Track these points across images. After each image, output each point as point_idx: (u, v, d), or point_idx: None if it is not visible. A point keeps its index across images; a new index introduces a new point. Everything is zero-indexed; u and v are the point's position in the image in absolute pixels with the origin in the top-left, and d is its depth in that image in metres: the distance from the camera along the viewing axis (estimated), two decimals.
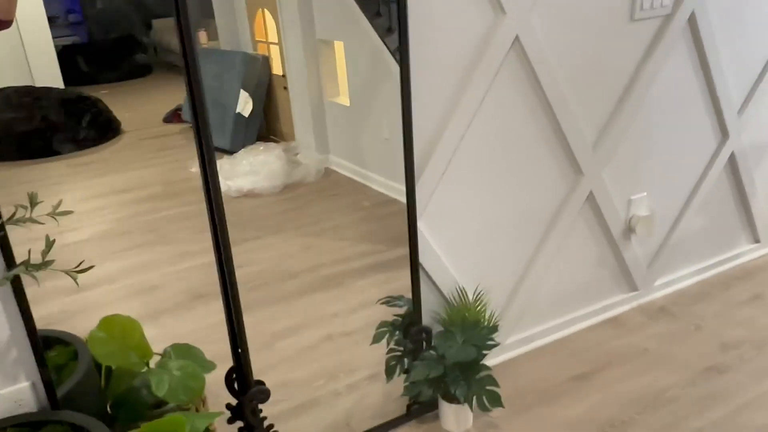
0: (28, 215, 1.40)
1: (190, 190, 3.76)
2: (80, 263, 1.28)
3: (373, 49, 3.33)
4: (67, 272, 1.26)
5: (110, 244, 3.25)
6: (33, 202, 1.41)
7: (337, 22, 3.71)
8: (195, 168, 4.56)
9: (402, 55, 1.65)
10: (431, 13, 1.67)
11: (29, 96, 4.25)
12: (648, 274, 2.45)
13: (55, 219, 1.44)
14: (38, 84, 3.88)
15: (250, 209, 3.75)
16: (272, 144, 4.28)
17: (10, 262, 1.31)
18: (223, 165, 4.07)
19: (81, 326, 2.00)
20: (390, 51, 3.28)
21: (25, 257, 1.41)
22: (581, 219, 2.19)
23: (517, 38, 1.76)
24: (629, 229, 2.30)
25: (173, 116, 5.09)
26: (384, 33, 3.34)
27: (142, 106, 5.84)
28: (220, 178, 4.27)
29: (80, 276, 1.42)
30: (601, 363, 2.17)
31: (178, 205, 3.56)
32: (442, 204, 1.87)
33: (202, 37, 5.21)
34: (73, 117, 4.45)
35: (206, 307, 2.58)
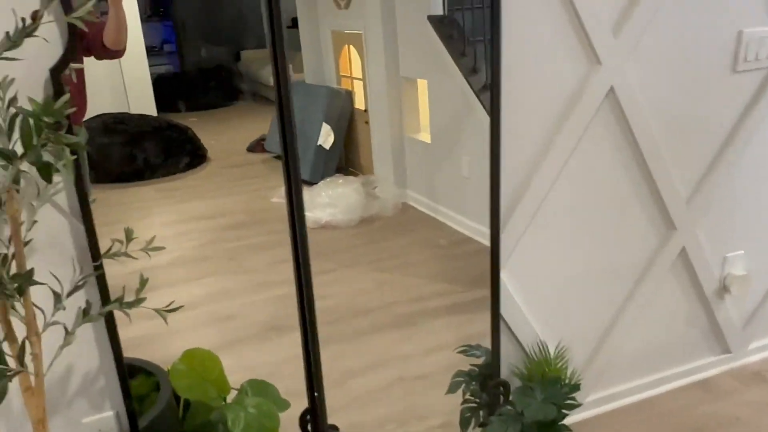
0: (123, 249, 1.45)
1: (270, 220, 3.85)
2: (170, 303, 1.31)
3: (457, 88, 3.34)
4: (158, 311, 1.29)
5: (192, 269, 3.34)
6: (129, 237, 1.46)
7: (422, 61, 3.74)
8: (276, 198, 4.65)
9: (493, 101, 1.63)
10: (524, 59, 1.64)
11: (124, 122, 4.49)
12: (742, 337, 2.31)
13: (148, 255, 1.49)
14: (133, 110, 4.06)
15: (327, 241, 3.79)
16: (351, 177, 4.34)
17: (105, 297, 1.35)
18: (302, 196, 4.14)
19: (160, 351, 2.06)
20: (474, 91, 3.29)
21: (118, 287, 1.48)
22: (672, 275, 2.08)
23: (611, 89, 1.71)
24: (723, 289, 2.18)
25: (257, 146, 5.25)
26: (468, 73, 3.35)
27: (227, 134, 6.05)
28: None
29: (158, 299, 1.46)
30: (688, 429, 2.05)
31: (259, 234, 3.64)
32: (526, 254, 1.82)
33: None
34: (163, 144, 4.65)
35: (281, 339, 2.61)
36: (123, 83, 3.61)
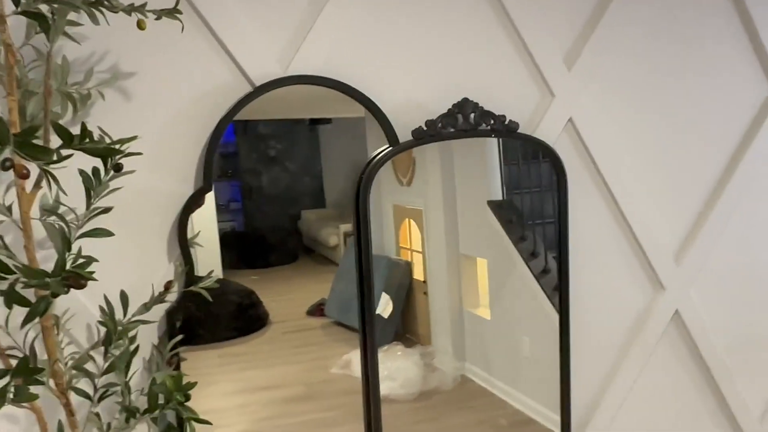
0: None
1: (329, 394, 3.86)
2: None
3: (516, 270, 3.45)
4: None
5: None
6: None
7: (481, 241, 3.89)
8: (335, 369, 4.68)
9: (562, 328, 1.71)
10: (591, 280, 1.73)
11: None
12: None
13: None
14: (200, 267, 4.23)
15: (386, 417, 3.75)
16: (410, 350, 4.36)
17: None
18: (359, 367, 4.16)
19: None
20: (534, 275, 3.38)
21: None
22: None
23: (677, 312, 1.77)
24: None
25: (316, 310, 5.35)
26: (528, 257, 3.47)
27: (287, 295, 6.18)
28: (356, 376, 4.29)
29: None
30: None
31: (318, 410, 3.64)
32: None
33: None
34: (230, 306, 4.79)
35: None
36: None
